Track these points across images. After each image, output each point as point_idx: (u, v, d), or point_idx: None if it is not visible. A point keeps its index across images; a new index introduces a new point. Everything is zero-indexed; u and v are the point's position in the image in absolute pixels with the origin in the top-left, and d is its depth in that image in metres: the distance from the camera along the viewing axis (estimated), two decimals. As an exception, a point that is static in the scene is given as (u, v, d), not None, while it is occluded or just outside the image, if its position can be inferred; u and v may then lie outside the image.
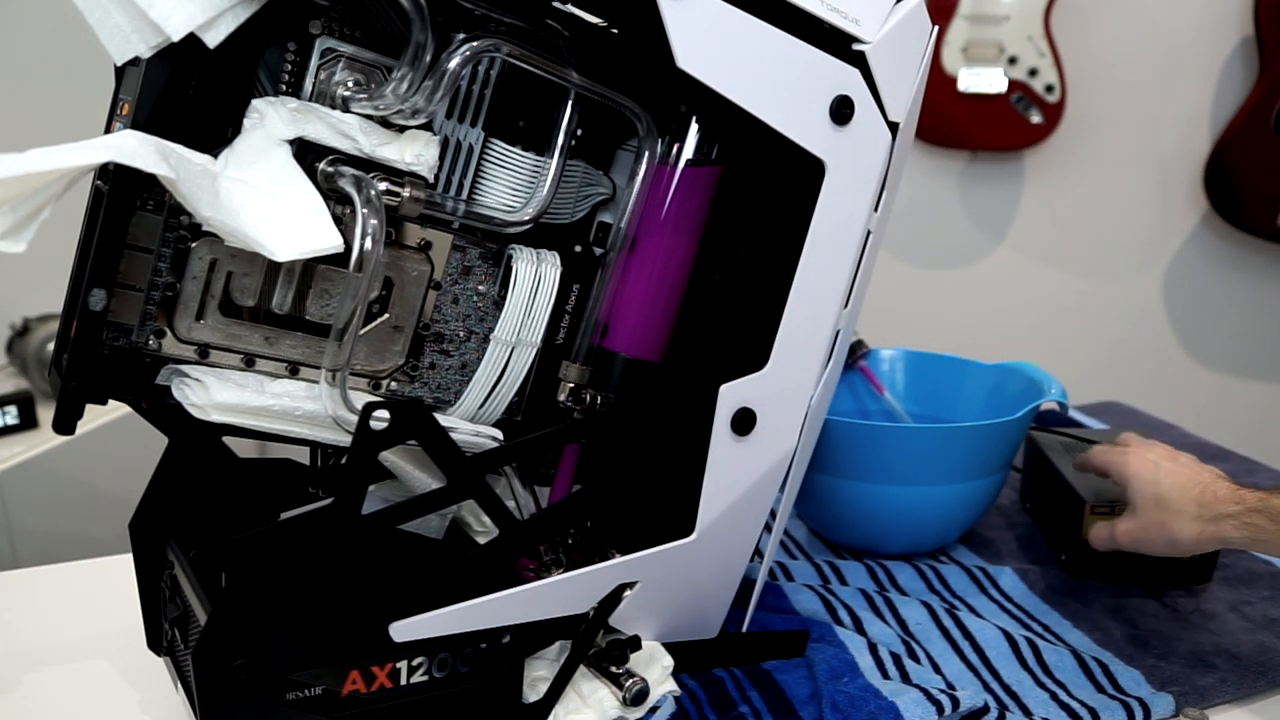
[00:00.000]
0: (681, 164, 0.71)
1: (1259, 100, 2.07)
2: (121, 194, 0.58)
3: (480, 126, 0.69)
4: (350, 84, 0.64)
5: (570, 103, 0.69)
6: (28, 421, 1.55)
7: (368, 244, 0.62)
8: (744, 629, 0.79)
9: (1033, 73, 2.03)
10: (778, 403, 0.72)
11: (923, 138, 2.10)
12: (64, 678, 0.78)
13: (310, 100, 0.64)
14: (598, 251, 0.75)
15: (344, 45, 0.64)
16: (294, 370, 0.67)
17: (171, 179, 0.55)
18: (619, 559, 0.71)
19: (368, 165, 0.64)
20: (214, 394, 0.62)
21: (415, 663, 0.66)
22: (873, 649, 0.79)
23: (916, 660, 0.79)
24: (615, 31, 0.70)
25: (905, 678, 0.76)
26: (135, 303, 0.62)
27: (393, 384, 0.70)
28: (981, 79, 2.02)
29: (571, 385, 0.73)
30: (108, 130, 0.61)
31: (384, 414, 0.61)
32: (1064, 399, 0.97)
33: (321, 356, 0.65)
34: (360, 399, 0.64)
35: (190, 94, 0.60)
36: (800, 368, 0.72)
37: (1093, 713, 0.72)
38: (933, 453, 0.90)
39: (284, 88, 0.63)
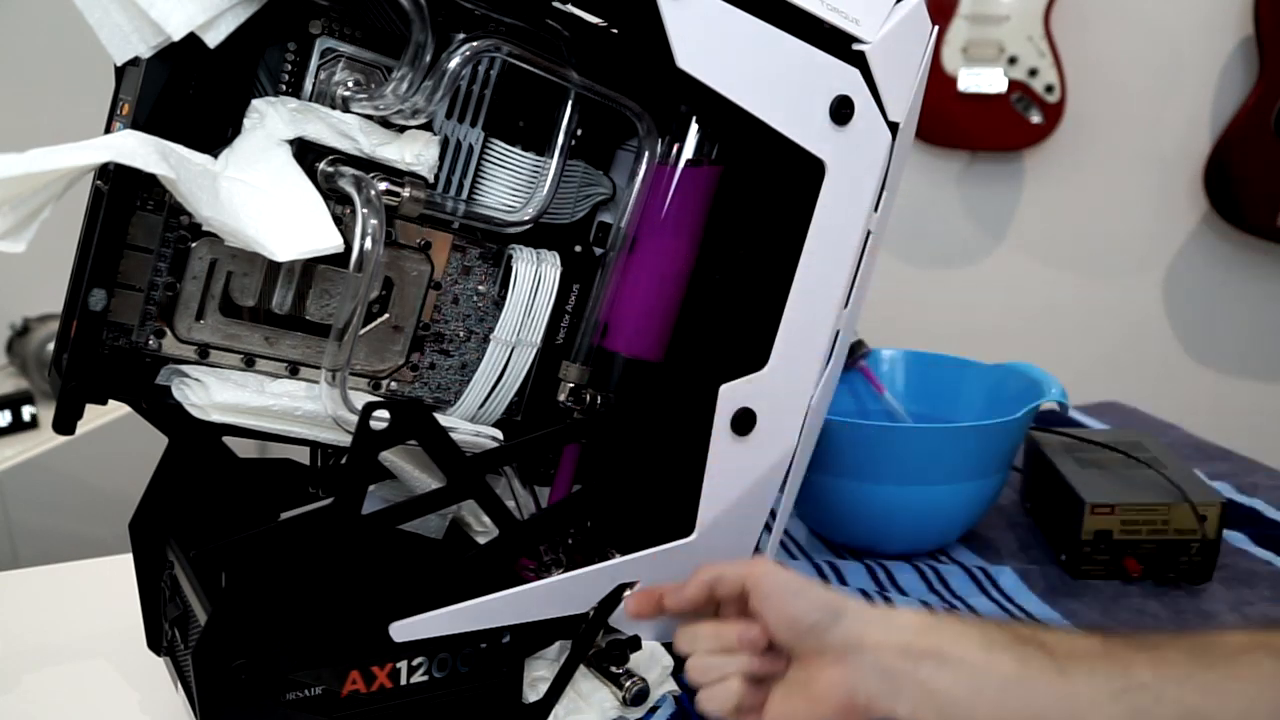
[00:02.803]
0: (681, 164, 0.71)
1: (1259, 100, 2.07)
2: (121, 194, 0.58)
3: (480, 126, 0.69)
4: (350, 84, 0.64)
5: (570, 103, 0.69)
6: (28, 421, 1.55)
7: (368, 244, 0.62)
8: (744, 629, 0.79)
9: (1033, 73, 2.03)
10: (778, 403, 0.72)
11: (923, 138, 2.10)
12: (64, 678, 0.78)
13: (310, 100, 0.64)
14: (598, 251, 0.75)
15: (344, 45, 0.64)
16: (294, 370, 0.67)
17: (171, 179, 0.55)
18: (619, 559, 0.71)
19: (368, 165, 0.64)
20: (214, 394, 0.62)
21: (415, 663, 0.66)
22: (873, 649, 0.78)
23: (916, 660, 0.79)
24: (615, 31, 0.70)
25: (905, 678, 0.76)
26: (135, 303, 0.62)
27: (393, 384, 0.70)
28: (981, 79, 2.02)
29: (571, 385, 0.73)
30: (108, 130, 0.61)
31: (384, 414, 0.61)
32: (1064, 399, 0.97)
33: (321, 356, 0.65)
34: (360, 399, 0.64)
35: (190, 94, 0.60)
36: (800, 368, 0.72)
37: (1093, 713, 0.72)
38: (933, 453, 0.90)
39: (284, 88, 0.63)
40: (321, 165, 0.64)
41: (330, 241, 0.60)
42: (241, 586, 0.62)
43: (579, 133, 0.71)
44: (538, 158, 0.70)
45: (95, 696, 0.75)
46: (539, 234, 0.72)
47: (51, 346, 0.78)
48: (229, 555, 0.66)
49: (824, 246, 0.70)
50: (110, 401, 0.64)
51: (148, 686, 0.75)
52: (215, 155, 0.61)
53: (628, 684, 0.70)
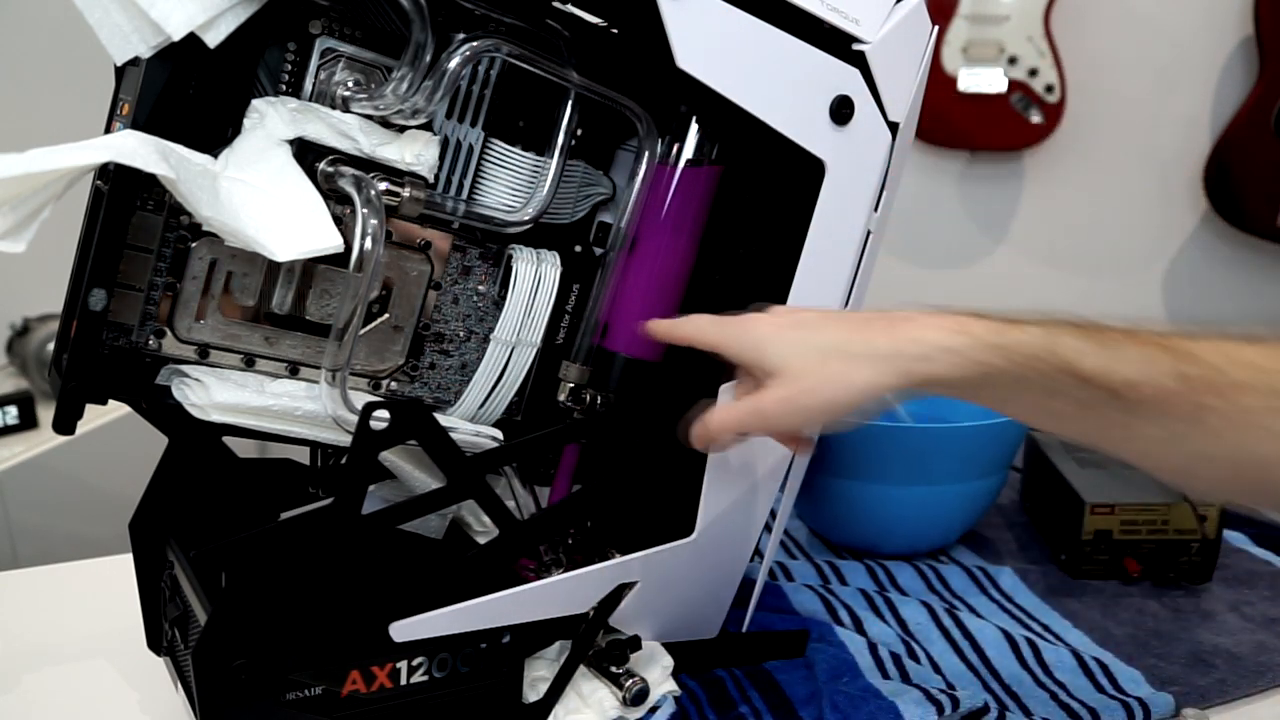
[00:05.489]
0: (681, 164, 0.71)
1: (1259, 100, 2.06)
2: (121, 194, 0.58)
3: (480, 126, 0.69)
4: (350, 84, 0.64)
5: (570, 103, 0.69)
6: (28, 421, 1.55)
7: (368, 244, 0.62)
8: (744, 629, 0.79)
9: (1033, 73, 2.03)
10: (778, 403, 0.72)
11: (923, 138, 2.10)
12: (64, 678, 0.78)
13: (310, 100, 0.64)
14: (598, 251, 0.75)
15: (344, 45, 0.64)
16: (294, 370, 0.67)
17: (171, 179, 0.55)
18: (619, 559, 0.71)
19: (368, 165, 0.64)
20: (214, 394, 0.62)
21: (415, 663, 0.66)
22: (873, 649, 0.79)
23: (916, 660, 0.79)
24: (615, 31, 0.70)
25: (905, 678, 0.76)
26: (135, 303, 0.62)
27: (393, 384, 0.70)
28: (981, 79, 2.02)
29: (571, 385, 0.73)
30: (108, 130, 0.61)
31: (384, 414, 0.61)
32: (1064, 399, 0.97)
33: (321, 356, 0.65)
34: (360, 399, 0.64)
35: (190, 94, 0.60)
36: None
37: (1093, 713, 0.72)
38: (933, 453, 0.90)
39: (284, 88, 0.63)
40: (321, 165, 0.64)
41: (330, 241, 0.60)
42: (241, 586, 0.62)
43: (579, 133, 0.71)
44: (538, 158, 0.70)
45: (95, 696, 0.75)
46: (539, 234, 0.72)
47: (51, 346, 0.78)
48: (229, 555, 0.66)
49: (824, 246, 0.70)
50: (110, 401, 0.63)
51: (148, 686, 0.75)
52: (215, 155, 0.61)
53: (628, 684, 0.70)
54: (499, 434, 0.71)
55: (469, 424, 0.71)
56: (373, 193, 0.63)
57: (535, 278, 0.71)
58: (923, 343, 0.56)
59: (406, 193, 0.65)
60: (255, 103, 0.62)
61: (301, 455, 0.77)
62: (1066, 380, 0.53)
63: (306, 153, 0.63)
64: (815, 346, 0.59)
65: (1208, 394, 0.50)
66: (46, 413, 1.57)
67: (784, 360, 0.59)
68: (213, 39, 0.58)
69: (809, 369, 0.58)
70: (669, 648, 0.75)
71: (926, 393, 0.57)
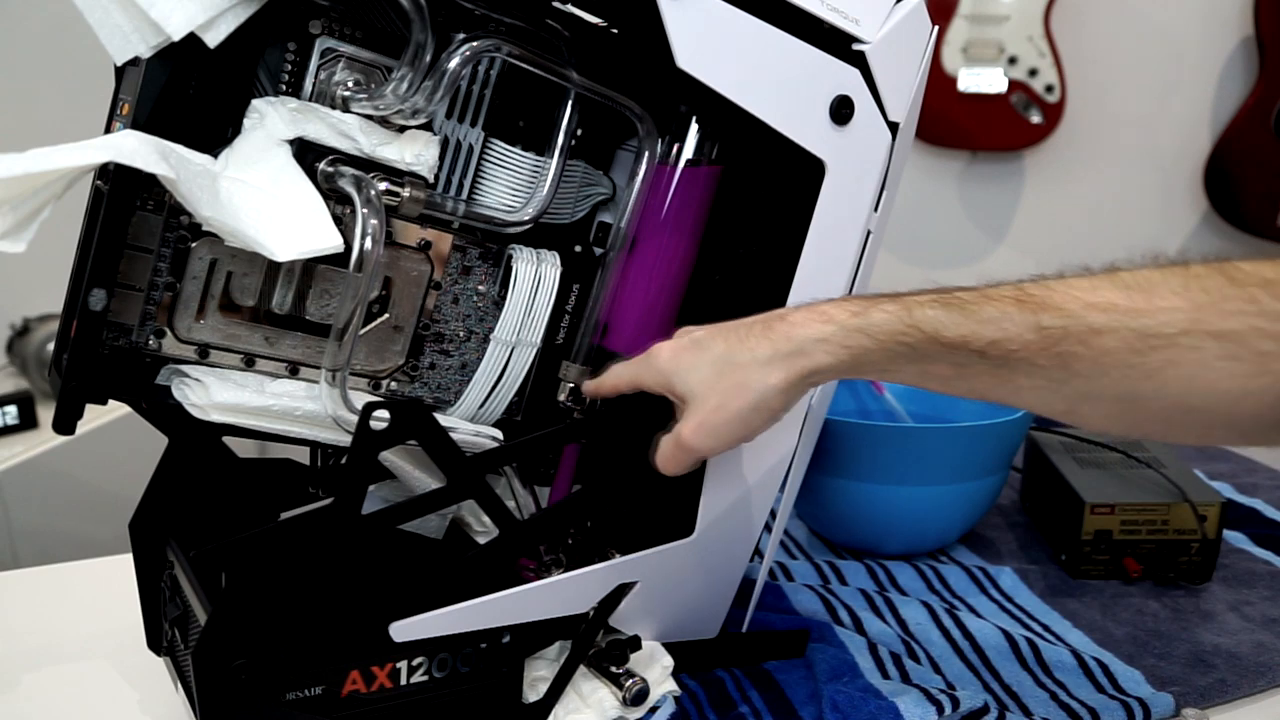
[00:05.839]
0: (681, 164, 0.71)
1: (1259, 100, 2.07)
2: (121, 194, 0.58)
3: (480, 126, 0.69)
4: (350, 84, 0.64)
5: (570, 103, 0.69)
6: (28, 421, 1.55)
7: (368, 244, 0.62)
8: (744, 629, 0.79)
9: (1033, 73, 2.03)
10: (778, 403, 0.72)
11: (923, 138, 2.10)
12: (64, 678, 0.78)
13: (310, 100, 0.64)
14: (598, 251, 0.75)
15: (344, 45, 0.64)
16: (294, 370, 0.67)
17: (171, 179, 0.55)
18: (619, 559, 0.71)
19: (368, 165, 0.64)
20: (214, 394, 0.62)
21: (415, 663, 0.66)
22: (873, 649, 0.79)
23: (916, 660, 0.79)
24: (615, 31, 0.70)
25: (905, 678, 0.76)
26: (135, 303, 0.62)
27: (393, 384, 0.70)
28: (981, 79, 2.02)
29: (571, 385, 0.73)
30: (108, 130, 0.61)
31: (384, 414, 0.61)
32: (1064, 399, 0.97)
33: (321, 356, 0.65)
34: (360, 399, 0.64)
35: (190, 94, 0.60)
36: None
37: (1093, 713, 0.72)
38: (933, 453, 0.90)
39: (284, 88, 0.63)
40: (321, 165, 0.64)
41: (330, 241, 0.60)
42: (241, 586, 0.62)
43: (579, 133, 0.71)
44: (538, 158, 0.70)
45: (95, 696, 0.75)
46: (539, 234, 0.72)
47: (51, 346, 0.78)
48: (229, 555, 0.66)
49: (824, 246, 0.70)
50: (110, 401, 0.63)
51: (147, 686, 0.75)
52: (215, 155, 0.61)
53: (628, 684, 0.70)
54: (499, 434, 0.71)
55: (469, 424, 0.71)
56: (373, 193, 0.63)
57: (535, 278, 0.71)
58: (795, 339, 0.59)
59: (406, 193, 0.65)
60: (255, 103, 0.62)
61: (301, 455, 0.77)
62: (934, 348, 0.56)
63: (306, 153, 0.63)
64: (709, 364, 0.62)
65: (1067, 341, 0.52)
66: (46, 413, 1.57)
67: (687, 386, 0.62)
68: (213, 39, 0.58)
69: (709, 388, 0.61)
70: (669, 648, 0.75)
71: (816, 382, 0.61)
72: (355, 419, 0.61)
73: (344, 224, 0.63)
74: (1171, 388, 0.51)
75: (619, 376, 0.67)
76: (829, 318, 0.59)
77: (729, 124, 0.71)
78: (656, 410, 0.72)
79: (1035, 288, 0.54)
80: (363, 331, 0.67)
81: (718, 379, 0.61)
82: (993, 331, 0.54)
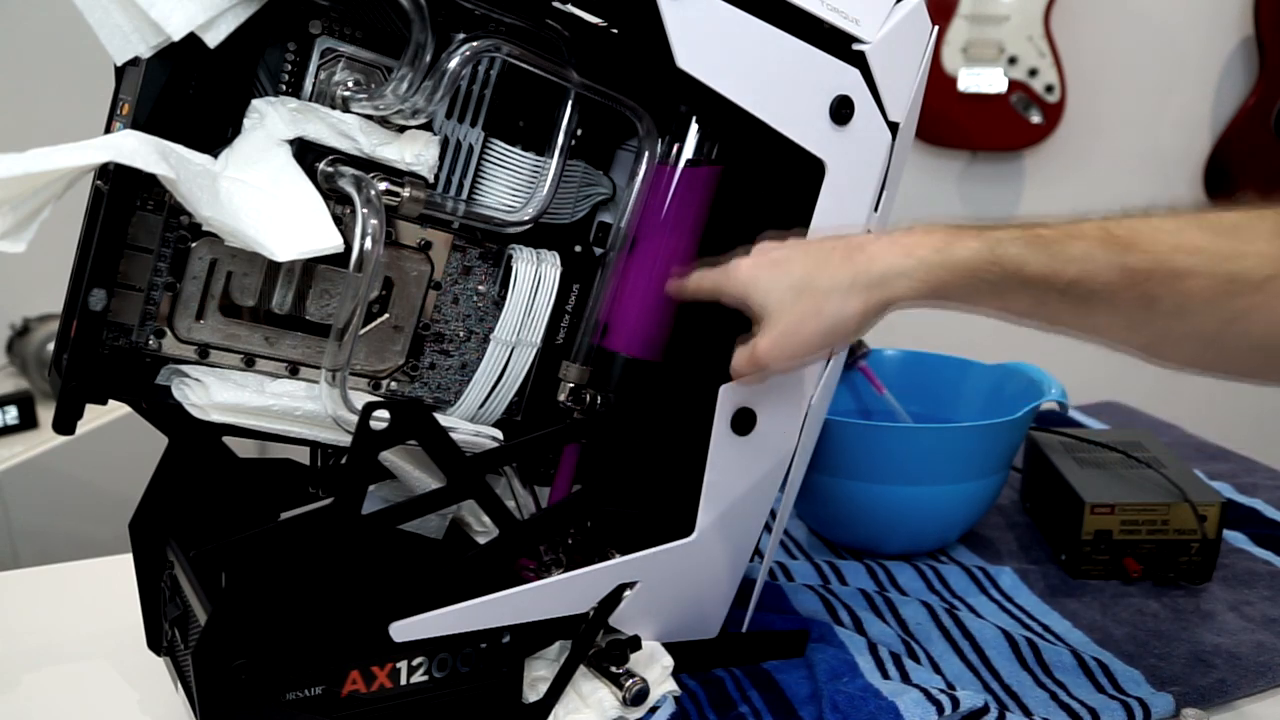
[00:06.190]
0: (681, 164, 0.71)
1: (1259, 100, 2.07)
2: (121, 194, 0.58)
3: (480, 126, 0.69)
4: (350, 84, 0.64)
5: (570, 103, 0.69)
6: (28, 421, 1.55)
7: (368, 244, 0.62)
8: (744, 629, 0.79)
9: (1033, 73, 2.03)
10: (778, 403, 0.72)
11: (923, 138, 2.10)
12: (64, 678, 0.78)
13: (310, 100, 0.64)
14: (598, 251, 0.75)
15: (344, 45, 0.64)
16: (294, 370, 0.67)
17: (171, 179, 0.55)
18: (619, 559, 0.71)
19: (368, 165, 0.64)
20: (214, 394, 0.62)
21: (415, 663, 0.66)
22: (873, 649, 0.79)
23: (916, 660, 0.79)
24: (615, 31, 0.70)
25: (905, 678, 0.76)
26: (135, 303, 0.62)
27: (393, 384, 0.70)
28: (981, 79, 2.02)
29: (571, 385, 0.73)
30: (108, 130, 0.61)
31: (384, 414, 0.61)
32: (1064, 399, 0.97)
33: (321, 356, 0.65)
34: (360, 399, 0.64)
35: (190, 94, 0.60)
36: (800, 368, 0.72)
37: (1093, 713, 0.72)
38: (933, 453, 0.90)
39: (284, 88, 0.63)
40: (321, 165, 0.64)
41: (330, 241, 0.60)
42: (241, 586, 0.62)
43: (579, 133, 0.71)
44: (538, 158, 0.70)
45: (95, 696, 0.75)
46: (539, 234, 0.72)
47: (51, 346, 0.78)
48: (229, 555, 0.66)
49: (824, 246, 0.70)
50: (110, 401, 0.63)
51: (147, 686, 0.75)
52: (215, 155, 0.61)
53: (628, 684, 0.70)
54: (499, 434, 0.71)
55: (469, 424, 0.71)
56: (373, 193, 0.63)
57: (535, 278, 0.71)
58: (875, 271, 0.60)
59: (406, 193, 0.65)
60: (255, 103, 0.62)
61: (301, 455, 0.77)
62: (1015, 284, 0.56)
63: (306, 153, 0.63)
64: (788, 286, 0.62)
65: (1151, 282, 0.53)
66: (46, 413, 1.57)
67: (764, 303, 0.63)
68: (213, 39, 0.58)
69: (785, 309, 0.62)
70: (669, 648, 0.75)
71: (894, 309, 0.61)
72: (355, 419, 0.61)
73: (344, 224, 0.63)
74: (1256, 331, 0.50)
75: (700, 282, 0.68)
76: (910, 251, 0.59)
77: (729, 124, 0.71)
78: (660, 411, 0.73)
79: (1120, 226, 0.54)
80: (363, 331, 0.67)
81: (795, 301, 0.62)
82: (1075, 270, 0.54)
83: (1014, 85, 2.04)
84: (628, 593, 0.71)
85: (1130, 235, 0.54)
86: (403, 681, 0.66)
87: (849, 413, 1.08)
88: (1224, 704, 0.76)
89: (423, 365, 0.71)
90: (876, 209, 0.71)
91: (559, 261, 0.73)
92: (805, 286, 0.61)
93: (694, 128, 0.71)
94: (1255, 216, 0.52)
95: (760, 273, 0.64)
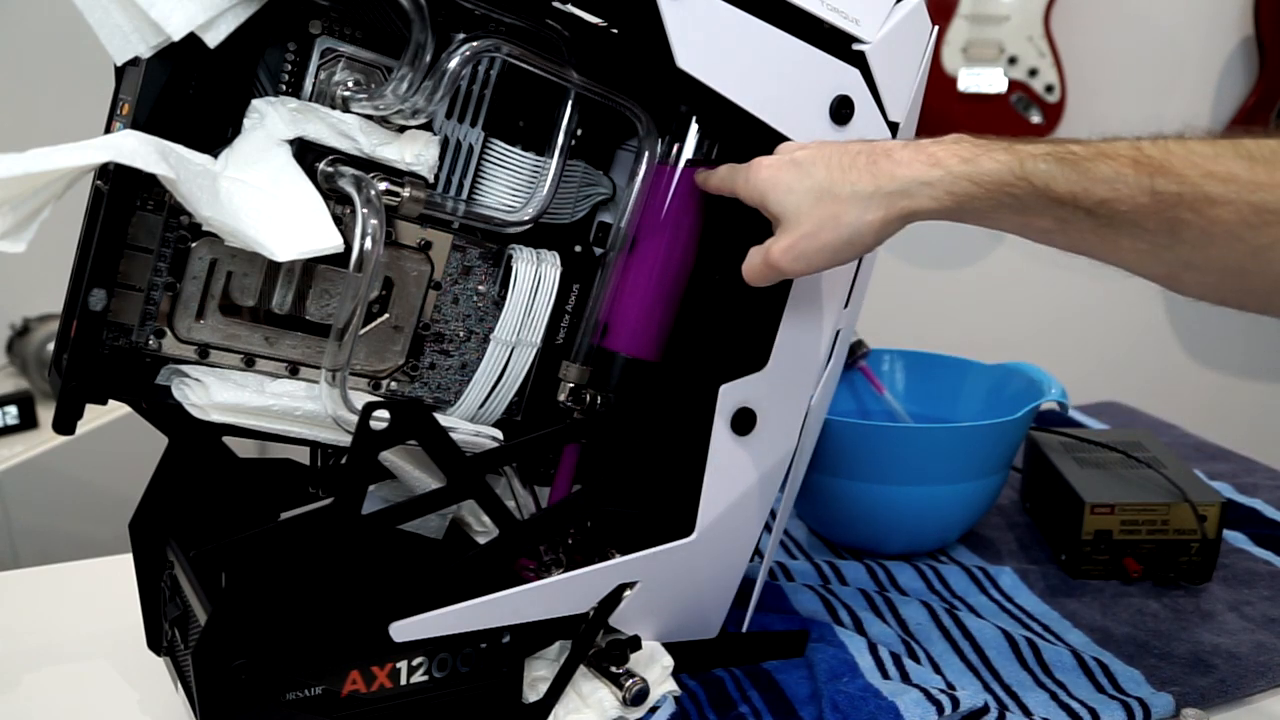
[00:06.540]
0: (681, 164, 0.71)
1: (1259, 100, 2.07)
2: (121, 194, 0.58)
3: (480, 126, 0.69)
4: (350, 84, 0.64)
5: (570, 103, 0.69)
6: (28, 421, 1.55)
7: (368, 244, 0.62)
8: (744, 629, 0.79)
9: (1033, 73, 2.03)
10: (778, 403, 0.72)
11: (923, 138, 2.09)
12: (64, 678, 0.78)
13: (310, 100, 0.64)
14: (598, 251, 0.75)
15: (344, 45, 0.64)
16: (294, 370, 0.67)
17: (171, 179, 0.55)
18: (619, 559, 0.71)
19: (368, 165, 0.64)
20: (214, 394, 0.62)
21: (415, 663, 0.66)
22: (873, 649, 0.79)
23: (916, 660, 0.79)
24: (615, 31, 0.70)
25: (905, 678, 0.76)
26: (135, 303, 0.62)
27: (393, 384, 0.70)
28: (981, 79, 2.02)
29: (571, 385, 0.73)
30: (108, 130, 0.61)
31: (384, 414, 0.61)
32: (1064, 399, 0.98)
33: (321, 356, 0.65)
34: (360, 399, 0.64)
35: (190, 94, 0.60)
36: (800, 368, 0.72)
37: (1093, 713, 0.72)
38: (933, 453, 0.90)
39: (284, 88, 0.63)
40: (321, 165, 0.64)
41: (330, 241, 0.60)
42: (241, 586, 0.62)
43: (579, 133, 0.71)
44: (538, 158, 0.70)
45: (95, 696, 0.75)
46: (539, 234, 0.72)
47: (51, 346, 0.78)
48: (229, 555, 0.66)
49: (824, 246, 0.70)
50: (110, 401, 0.64)
51: (147, 686, 0.75)
52: (215, 155, 0.61)
53: (628, 684, 0.70)
54: (499, 434, 0.71)
55: (469, 424, 0.71)
56: (373, 193, 0.63)
57: (535, 278, 0.71)
58: (900, 179, 0.59)
59: (406, 193, 0.65)
60: (255, 103, 0.62)
61: (301, 455, 0.77)
62: (1041, 202, 0.55)
63: (306, 153, 0.63)
64: (808, 189, 0.61)
65: (1179, 208, 0.51)
66: (46, 413, 1.57)
67: (782, 207, 0.62)
68: (213, 39, 0.58)
69: (804, 213, 0.61)
70: (669, 648, 0.75)
71: (913, 221, 0.60)
72: (355, 419, 0.61)
73: (344, 224, 0.63)
74: (1278, 265, 0.49)
75: (720, 179, 0.67)
76: (937, 161, 0.58)
77: (729, 124, 0.71)
78: (660, 411, 0.72)
79: (1154, 148, 0.53)
80: (363, 331, 0.67)
81: (815, 206, 0.60)
82: (1104, 190, 0.53)
83: (1014, 85, 2.04)
84: (628, 593, 0.71)
85: (1163, 158, 0.52)
86: (403, 681, 0.66)
87: (849, 413, 1.08)
88: (1224, 704, 0.76)
89: (423, 365, 0.71)
90: (876, 209, 0.71)
91: (559, 261, 0.73)
92: (826, 191, 0.60)
93: (694, 128, 0.71)
94: None
95: (781, 174, 0.62)
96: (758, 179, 0.64)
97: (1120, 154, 0.53)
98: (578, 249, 0.74)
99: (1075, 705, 0.73)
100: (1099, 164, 0.54)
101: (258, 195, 0.60)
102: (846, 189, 0.60)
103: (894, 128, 0.70)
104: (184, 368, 0.64)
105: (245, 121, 0.62)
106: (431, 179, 0.67)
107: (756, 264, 0.64)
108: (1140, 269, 0.55)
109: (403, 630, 0.65)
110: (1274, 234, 0.49)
